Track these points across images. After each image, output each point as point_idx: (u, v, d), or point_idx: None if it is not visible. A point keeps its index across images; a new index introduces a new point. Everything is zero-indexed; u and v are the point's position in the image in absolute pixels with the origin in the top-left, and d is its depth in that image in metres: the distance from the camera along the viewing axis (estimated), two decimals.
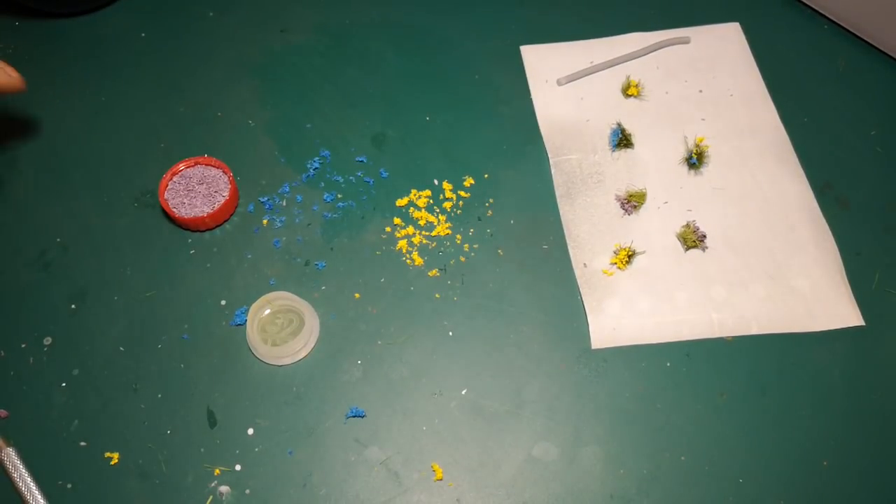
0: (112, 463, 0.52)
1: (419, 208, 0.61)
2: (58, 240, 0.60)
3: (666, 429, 0.54)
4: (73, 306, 0.58)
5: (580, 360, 0.56)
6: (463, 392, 0.55)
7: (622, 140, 0.64)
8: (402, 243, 0.60)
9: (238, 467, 0.52)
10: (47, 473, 0.52)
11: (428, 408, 0.54)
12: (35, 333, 0.56)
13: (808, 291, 0.58)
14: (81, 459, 0.52)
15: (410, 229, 0.61)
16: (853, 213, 0.62)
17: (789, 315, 0.57)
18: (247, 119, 0.66)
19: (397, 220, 0.61)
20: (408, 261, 0.60)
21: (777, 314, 0.57)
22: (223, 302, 0.58)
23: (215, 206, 0.59)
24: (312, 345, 0.56)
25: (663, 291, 0.58)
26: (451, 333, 0.57)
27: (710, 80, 0.68)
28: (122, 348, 0.56)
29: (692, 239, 0.59)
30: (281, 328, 0.56)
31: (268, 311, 0.57)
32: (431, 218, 0.61)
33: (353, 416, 0.54)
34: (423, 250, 0.60)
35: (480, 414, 0.54)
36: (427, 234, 0.61)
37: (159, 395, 0.54)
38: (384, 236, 0.61)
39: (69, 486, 0.51)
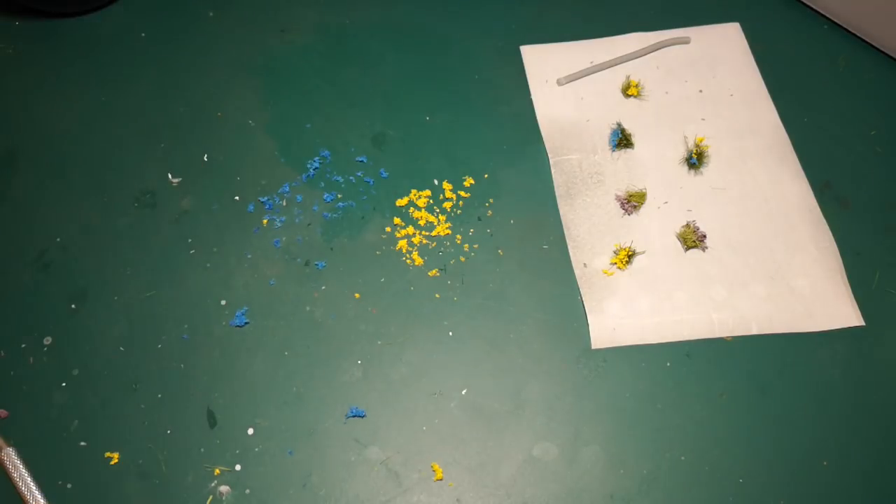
0: (112, 463, 0.52)
1: (419, 208, 0.61)
2: (58, 240, 0.60)
3: (666, 429, 0.54)
4: (73, 306, 0.58)
5: (580, 360, 0.56)
6: (463, 392, 0.55)
7: (622, 140, 0.64)
8: (402, 243, 0.60)
9: (238, 467, 0.52)
10: (47, 473, 0.52)
11: (428, 408, 0.54)
12: (35, 333, 0.56)
13: (808, 291, 0.58)
14: (81, 459, 0.52)
15: (410, 229, 0.61)
16: (853, 213, 0.62)
17: (789, 315, 0.57)
18: (247, 119, 0.66)
19: (397, 220, 0.61)
20: (408, 261, 0.59)
21: (777, 314, 0.57)
22: (223, 302, 0.58)
23: None
24: None
25: (663, 291, 0.58)
26: (451, 333, 0.57)
27: (710, 80, 0.68)
28: (121, 348, 0.56)
29: (692, 239, 0.59)
30: None
31: None
32: (431, 218, 0.61)
33: (353, 416, 0.53)
34: (423, 250, 0.60)
35: (480, 414, 0.54)
36: (427, 234, 0.61)
37: (159, 395, 0.54)
38: (384, 236, 0.61)
39: (69, 486, 0.51)
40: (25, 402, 0.54)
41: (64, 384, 0.55)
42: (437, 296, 0.58)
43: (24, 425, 0.53)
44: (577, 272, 0.59)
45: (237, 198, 0.62)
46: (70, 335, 0.56)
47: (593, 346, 0.56)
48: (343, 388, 0.55)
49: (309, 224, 0.61)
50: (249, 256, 0.60)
